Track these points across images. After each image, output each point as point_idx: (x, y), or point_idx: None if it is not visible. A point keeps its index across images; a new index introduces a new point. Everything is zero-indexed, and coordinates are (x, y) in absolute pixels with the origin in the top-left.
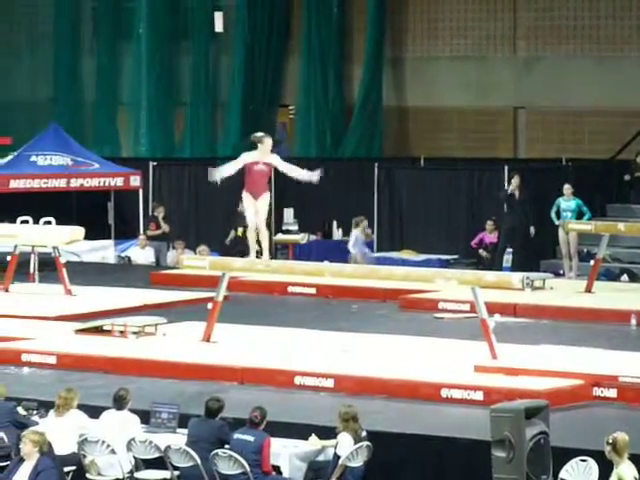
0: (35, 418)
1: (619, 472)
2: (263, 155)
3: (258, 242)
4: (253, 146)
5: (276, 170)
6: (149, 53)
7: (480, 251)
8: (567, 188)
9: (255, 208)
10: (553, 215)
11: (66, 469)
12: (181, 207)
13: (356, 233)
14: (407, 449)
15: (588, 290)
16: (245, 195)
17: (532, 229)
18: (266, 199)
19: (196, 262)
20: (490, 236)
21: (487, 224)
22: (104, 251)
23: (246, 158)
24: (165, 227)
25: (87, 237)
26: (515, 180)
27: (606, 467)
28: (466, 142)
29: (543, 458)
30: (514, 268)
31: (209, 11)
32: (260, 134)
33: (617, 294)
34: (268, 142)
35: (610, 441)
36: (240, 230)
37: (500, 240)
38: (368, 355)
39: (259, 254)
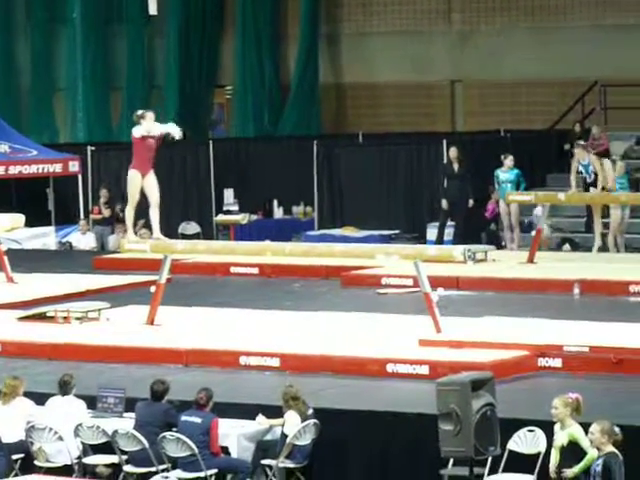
0: None
1: (572, 433)
2: (149, 129)
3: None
4: (137, 123)
5: (216, 150)
6: (84, 37)
7: (492, 225)
8: (510, 160)
9: (141, 186)
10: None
11: (14, 457)
12: (122, 191)
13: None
14: (354, 425)
15: (530, 261)
16: (134, 172)
17: (471, 201)
18: (154, 177)
19: (137, 246)
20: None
21: (494, 193)
22: (45, 238)
23: (135, 133)
24: (105, 211)
25: (27, 224)
26: (452, 152)
27: (553, 436)
28: (404, 117)
29: (490, 430)
30: (455, 241)
31: None
32: (141, 110)
33: (559, 264)
34: (150, 116)
35: (570, 401)
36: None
37: (440, 214)
38: (312, 333)
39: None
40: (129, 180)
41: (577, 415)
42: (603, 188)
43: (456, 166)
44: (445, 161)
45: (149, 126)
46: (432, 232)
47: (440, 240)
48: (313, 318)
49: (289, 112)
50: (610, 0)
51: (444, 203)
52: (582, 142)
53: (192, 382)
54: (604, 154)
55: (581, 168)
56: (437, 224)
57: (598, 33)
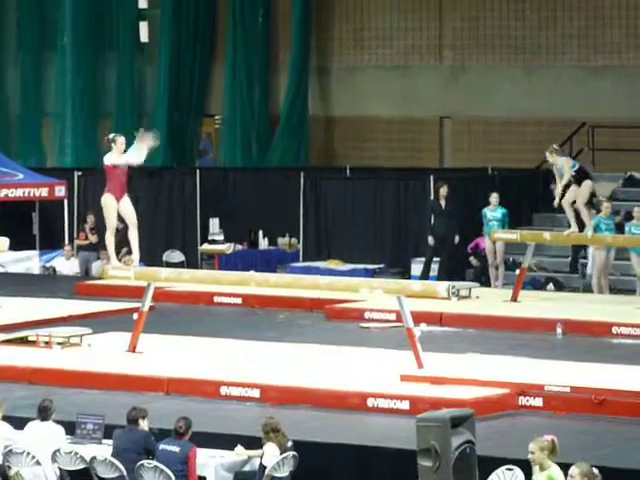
0: None
1: (551, 474)
2: (119, 154)
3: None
4: (110, 148)
5: (203, 179)
6: (74, 63)
7: (470, 258)
8: (494, 197)
9: (117, 211)
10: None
11: None
12: None
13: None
14: (333, 459)
15: (514, 299)
16: (108, 197)
17: (457, 237)
18: (128, 200)
19: (121, 272)
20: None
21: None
22: (29, 262)
23: (107, 160)
24: (92, 237)
25: (12, 248)
26: (443, 190)
27: (532, 476)
28: (392, 152)
29: (469, 467)
30: (440, 277)
31: (134, 21)
32: (112, 134)
33: (543, 303)
34: (121, 140)
35: (546, 444)
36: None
37: (427, 250)
38: (294, 365)
39: (125, 255)
40: (104, 205)
41: (553, 456)
42: (574, 202)
43: (443, 202)
44: (432, 197)
45: (119, 151)
46: (417, 267)
47: (425, 276)
48: (296, 350)
49: (277, 143)
50: (600, 41)
51: (430, 239)
52: (555, 146)
53: (172, 410)
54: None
55: (556, 173)
56: (422, 259)
57: (588, 73)
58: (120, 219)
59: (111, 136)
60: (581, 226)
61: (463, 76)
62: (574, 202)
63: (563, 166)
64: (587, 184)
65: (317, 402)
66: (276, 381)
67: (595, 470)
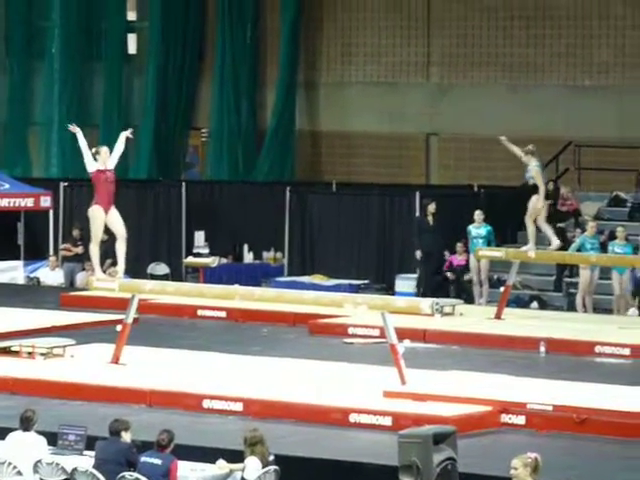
0: None
1: None
2: (104, 164)
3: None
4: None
5: (189, 192)
6: (62, 73)
7: (448, 274)
8: (478, 214)
9: (105, 222)
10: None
11: None
12: None
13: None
14: (315, 474)
15: (498, 317)
16: (96, 208)
17: (447, 253)
18: (117, 212)
19: (106, 284)
20: (459, 259)
21: (457, 246)
22: (13, 272)
23: (92, 168)
24: (78, 249)
25: None
26: (432, 207)
27: None
28: (378, 168)
29: None
30: (424, 294)
31: (122, 32)
32: (95, 148)
33: (526, 321)
34: (105, 150)
35: (529, 461)
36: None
37: (419, 266)
38: (277, 379)
39: (110, 267)
40: (91, 216)
41: (535, 475)
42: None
43: (431, 219)
44: (419, 214)
45: (104, 160)
46: (401, 283)
47: (422, 289)
48: (279, 364)
49: (264, 157)
50: (588, 60)
51: (418, 253)
52: (531, 147)
53: (154, 423)
54: (573, 214)
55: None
56: (407, 275)
57: (574, 93)
58: (105, 231)
59: (94, 149)
60: (563, 240)
61: (450, 93)
62: (549, 216)
63: (532, 170)
64: (533, 199)
65: (299, 417)
66: (259, 395)
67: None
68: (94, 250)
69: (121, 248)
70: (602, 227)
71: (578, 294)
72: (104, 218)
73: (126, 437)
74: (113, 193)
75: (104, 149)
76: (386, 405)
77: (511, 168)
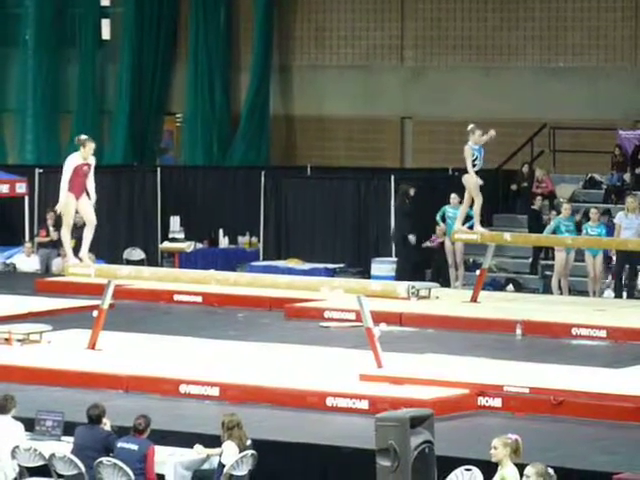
0: None
1: (504, 475)
2: (86, 157)
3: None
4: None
5: (164, 177)
6: (36, 60)
7: (410, 237)
8: (453, 197)
9: (76, 209)
10: (438, 218)
11: None
12: None
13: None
14: (292, 458)
15: (474, 300)
16: (68, 195)
17: (412, 237)
18: (87, 199)
19: (81, 270)
20: (439, 240)
21: (437, 229)
22: None
23: (74, 161)
24: (53, 234)
25: None
26: (412, 191)
27: (491, 476)
28: (353, 151)
29: (428, 467)
30: (399, 277)
31: (96, 18)
32: (84, 137)
33: (503, 304)
34: (91, 145)
35: (510, 442)
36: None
37: (410, 250)
38: (253, 363)
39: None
40: (63, 203)
41: (516, 457)
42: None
43: (408, 202)
44: (400, 198)
45: (86, 155)
46: (377, 267)
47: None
48: (255, 349)
49: (238, 142)
50: (562, 43)
51: (412, 238)
52: (472, 125)
53: (131, 408)
54: (548, 196)
55: (475, 153)
56: (382, 259)
57: (549, 75)
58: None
59: (83, 137)
60: (538, 223)
61: (424, 76)
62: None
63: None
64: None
65: (276, 401)
66: (235, 380)
67: (550, 470)
68: (66, 236)
69: (88, 235)
70: (577, 209)
71: (554, 276)
72: (75, 204)
73: (105, 423)
74: (84, 184)
75: (91, 145)
76: (363, 388)
77: (486, 152)
